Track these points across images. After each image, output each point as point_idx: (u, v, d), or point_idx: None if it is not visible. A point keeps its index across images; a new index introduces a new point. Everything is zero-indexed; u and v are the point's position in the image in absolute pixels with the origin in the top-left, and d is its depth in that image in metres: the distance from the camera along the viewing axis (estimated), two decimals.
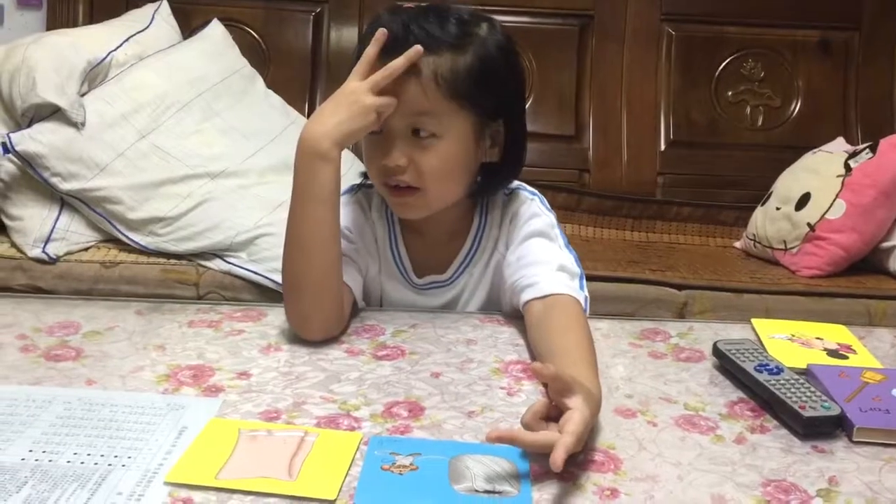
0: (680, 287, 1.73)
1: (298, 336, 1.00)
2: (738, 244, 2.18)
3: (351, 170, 1.59)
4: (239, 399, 0.86)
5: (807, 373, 0.95)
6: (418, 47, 0.97)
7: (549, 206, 1.13)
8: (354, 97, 0.97)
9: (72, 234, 1.67)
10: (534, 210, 1.11)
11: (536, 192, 1.14)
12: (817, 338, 1.07)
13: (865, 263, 1.90)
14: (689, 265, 1.91)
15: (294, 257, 1.01)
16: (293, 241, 1.01)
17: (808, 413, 0.84)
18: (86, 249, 1.68)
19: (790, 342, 1.06)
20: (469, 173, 1.06)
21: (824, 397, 0.87)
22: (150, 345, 0.97)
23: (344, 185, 1.06)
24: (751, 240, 2.10)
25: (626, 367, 0.99)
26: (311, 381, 0.90)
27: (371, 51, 0.98)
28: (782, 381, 0.90)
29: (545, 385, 0.81)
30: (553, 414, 0.78)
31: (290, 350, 0.98)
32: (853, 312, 1.68)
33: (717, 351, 0.99)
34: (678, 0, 2.39)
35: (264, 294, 1.59)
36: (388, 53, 0.98)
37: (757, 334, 1.09)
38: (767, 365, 0.94)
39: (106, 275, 1.62)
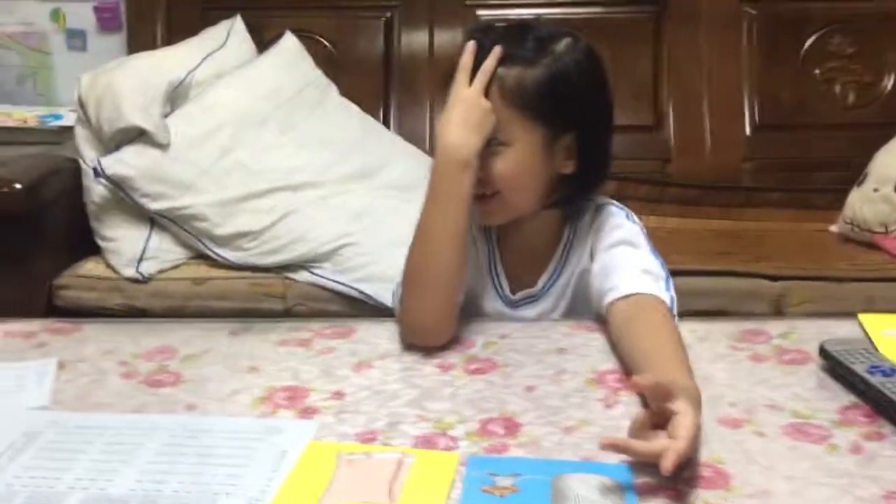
0: (775, 278, 1.67)
1: (389, 352, 1.00)
2: (833, 228, 2.09)
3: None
4: (334, 420, 0.86)
5: None
6: (499, 47, 1.02)
7: (636, 219, 1.11)
8: (475, 103, 1.01)
9: (163, 252, 1.72)
10: (618, 221, 1.10)
11: (624, 206, 1.14)
12: None
13: None
14: (783, 254, 1.84)
15: (425, 253, 1.03)
16: (427, 237, 1.03)
17: None
18: (177, 267, 1.72)
19: None
20: (542, 183, 1.07)
21: None
22: (244, 366, 0.98)
23: None
24: (848, 223, 2.00)
25: (726, 372, 0.95)
26: (404, 399, 0.90)
27: (466, 59, 1.03)
28: None
29: (642, 395, 0.79)
30: (657, 421, 0.76)
31: (382, 367, 0.98)
32: None
33: (824, 352, 0.94)
34: None
35: (350, 304, 1.60)
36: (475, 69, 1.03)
37: (865, 331, 1.04)
38: (881, 367, 0.89)
39: (197, 291, 1.65)
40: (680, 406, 0.73)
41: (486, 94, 1.02)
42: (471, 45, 1.03)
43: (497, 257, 1.15)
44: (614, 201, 1.15)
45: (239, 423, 0.85)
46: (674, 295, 1.03)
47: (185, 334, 1.08)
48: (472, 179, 1.01)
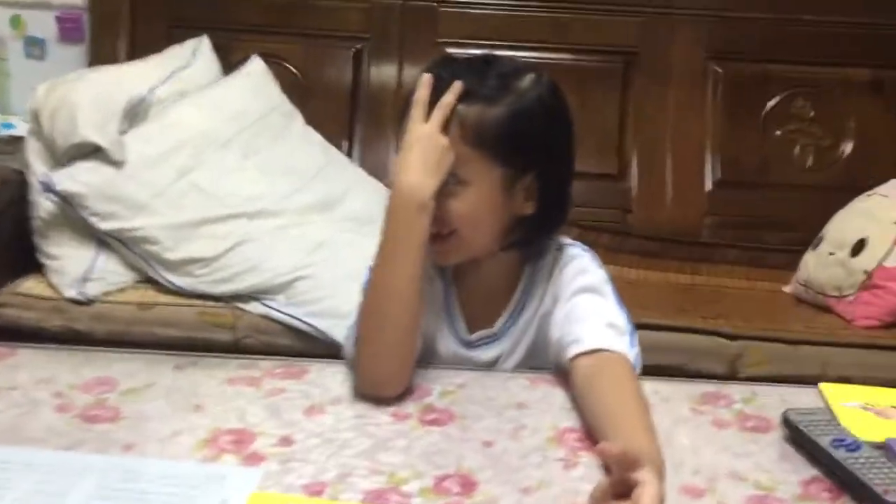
0: (733, 337, 1.67)
1: (342, 396, 0.96)
2: (787, 289, 2.11)
3: None
4: (281, 469, 0.81)
5: (885, 448, 0.89)
6: (459, 82, 0.98)
7: (600, 263, 1.08)
8: (432, 141, 0.97)
9: (109, 273, 1.65)
10: (584, 266, 1.07)
11: (588, 249, 1.11)
12: (893, 406, 1.00)
13: None
14: (740, 312, 1.84)
15: (382, 304, 0.98)
16: (381, 288, 0.98)
17: (892, 499, 0.78)
18: (122, 290, 1.65)
19: (864, 411, 0.99)
20: (500, 224, 1.03)
21: None
22: (188, 405, 0.93)
23: None
24: (802, 285, 2.02)
25: (688, 437, 0.93)
26: (356, 449, 0.86)
27: (422, 93, 0.99)
28: (861, 460, 0.84)
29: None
30: (619, 490, 0.73)
31: (335, 412, 0.94)
32: None
33: (787, 422, 0.93)
34: (724, 38, 2.33)
35: (302, 339, 1.56)
36: (430, 107, 0.99)
37: (826, 401, 1.03)
38: (844, 440, 0.87)
39: (142, 317, 1.59)
40: (644, 476, 0.71)
41: (445, 130, 0.97)
42: (427, 78, 0.99)
43: (453, 296, 1.11)
44: (577, 242, 1.12)
45: (179, 468, 0.80)
46: (638, 351, 1.01)
47: (128, 366, 1.02)
48: (428, 222, 0.97)
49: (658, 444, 0.82)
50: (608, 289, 1.06)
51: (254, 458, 0.83)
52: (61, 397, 0.93)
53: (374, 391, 0.96)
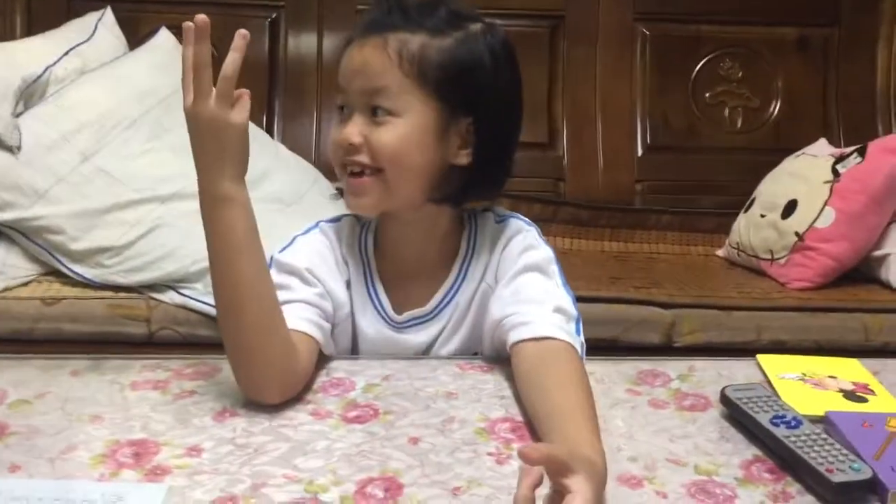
0: (666, 306, 1.64)
1: None
2: (720, 252, 2.10)
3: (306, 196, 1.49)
4: (188, 483, 0.74)
5: (826, 422, 0.86)
6: (243, 31, 0.86)
7: (545, 239, 1.02)
8: (208, 121, 0.83)
9: (9, 267, 1.54)
10: (530, 241, 1.00)
11: (533, 223, 1.04)
12: (830, 376, 0.98)
13: (857, 273, 1.83)
14: (674, 279, 1.83)
15: (226, 319, 0.88)
16: (221, 301, 0.88)
17: (837, 478, 0.74)
18: (25, 284, 1.55)
19: (802, 383, 0.96)
20: (430, 169, 0.95)
21: (852, 456, 0.78)
22: (85, 415, 0.85)
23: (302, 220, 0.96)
24: (734, 248, 2.01)
25: (625, 420, 0.88)
26: (272, 455, 0.79)
27: (187, 53, 0.84)
28: (803, 437, 0.80)
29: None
30: (556, 499, 0.67)
31: (248, 415, 0.86)
32: (848, 328, 1.61)
33: (725, 399, 0.89)
34: None
35: None
36: (365, 32, 0.93)
37: (765, 373, 1.00)
38: (784, 416, 0.84)
39: (47, 312, 1.49)
40: (577, 484, 0.65)
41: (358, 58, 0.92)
42: (187, 28, 0.84)
43: (374, 274, 1.03)
44: (520, 215, 1.05)
45: (70, 488, 0.72)
46: (583, 340, 0.95)
47: (19, 374, 0.93)
48: (241, 215, 0.85)
49: (601, 444, 0.76)
50: (555, 268, 1.00)
51: (157, 473, 0.75)
52: None
53: (255, 398, 0.88)
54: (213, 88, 0.84)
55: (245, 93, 0.86)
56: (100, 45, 1.85)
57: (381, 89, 0.92)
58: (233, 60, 0.85)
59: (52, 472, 0.75)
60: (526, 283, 0.96)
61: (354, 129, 0.93)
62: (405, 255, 1.02)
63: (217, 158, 0.85)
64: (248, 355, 0.87)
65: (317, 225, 1.04)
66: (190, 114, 0.84)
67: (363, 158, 0.93)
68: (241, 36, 0.86)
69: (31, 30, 2.10)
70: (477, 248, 1.02)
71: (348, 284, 1.02)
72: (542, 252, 1.00)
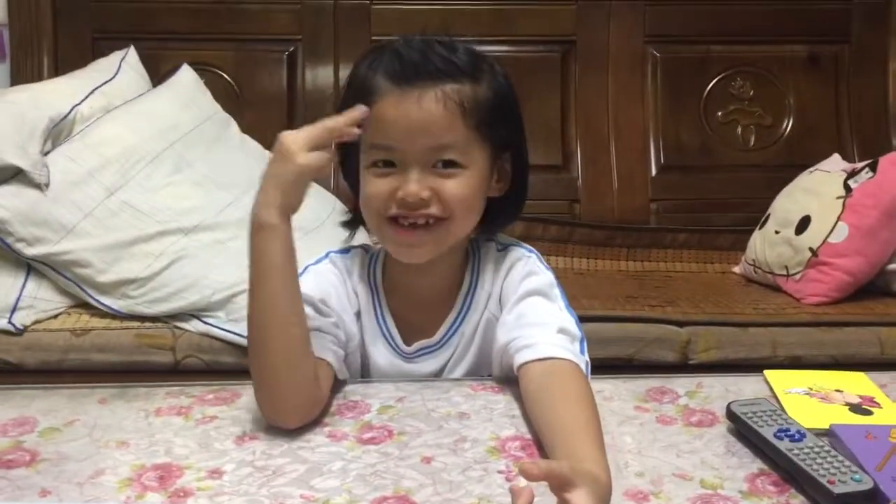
0: (681, 324, 1.66)
1: None
2: (736, 269, 2.11)
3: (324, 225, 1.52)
4: None
5: (830, 434, 0.87)
6: (363, 107, 0.92)
7: (546, 264, 1.05)
8: (284, 151, 0.88)
9: (39, 301, 1.59)
10: (531, 268, 1.03)
11: (533, 249, 1.07)
12: (837, 390, 0.99)
13: (872, 287, 1.83)
14: (690, 297, 1.84)
15: (256, 342, 0.92)
16: (252, 322, 0.92)
17: (838, 489, 0.76)
18: (55, 317, 1.60)
19: (808, 397, 0.98)
20: (482, 210, 1.00)
21: (854, 467, 0.79)
22: (112, 441, 0.89)
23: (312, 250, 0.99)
24: (750, 265, 2.03)
25: (633, 437, 0.91)
26: (290, 477, 0.82)
27: (338, 121, 0.91)
28: (806, 450, 0.82)
29: None
30: None
31: (267, 438, 0.90)
32: (863, 342, 1.62)
33: (731, 414, 0.91)
34: (661, 21, 2.33)
35: (245, 355, 1.49)
36: (405, 80, 0.92)
37: (771, 388, 1.01)
38: (788, 430, 0.86)
39: (77, 343, 1.53)
40: (577, 498, 0.67)
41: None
42: (364, 111, 0.91)
43: (383, 305, 1.06)
44: (520, 242, 1.08)
45: None
46: (588, 359, 0.98)
47: (49, 402, 0.97)
48: (280, 245, 0.89)
49: (606, 460, 0.78)
50: (556, 292, 1.03)
51: (181, 495, 0.79)
52: None
53: (276, 422, 0.91)
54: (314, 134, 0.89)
55: (330, 152, 0.91)
56: (123, 83, 1.91)
57: (448, 145, 0.93)
58: (338, 119, 0.91)
59: (80, 496, 0.79)
60: (529, 308, 0.99)
61: (419, 185, 0.93)
62: (415, 287, 1.05)
63: (274, 187, 0.89)
64: (275, 379, 0.90)
65: (327, 255, 1.07)
66: (279, 137, 0.90)
67: (433, 210, 0.94)
68: (361, 111, 0.91)
69: (57, 70, 2.17)
70: (480, 278, 1.05)
71: (358, 315, 1.05)
72: (544, 277, 1.02)
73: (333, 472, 0.83)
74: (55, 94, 1.76)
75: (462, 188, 0.94)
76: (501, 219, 1.05)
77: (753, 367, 1.52)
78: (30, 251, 1.56)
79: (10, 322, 1.54)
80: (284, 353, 0.90)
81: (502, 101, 0.97)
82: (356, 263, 1.07)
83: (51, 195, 1.59)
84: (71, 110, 1.72)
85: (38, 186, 1.58)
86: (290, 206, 0.90)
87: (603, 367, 1.07)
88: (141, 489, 0.80)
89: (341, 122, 0.91)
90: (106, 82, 1.86)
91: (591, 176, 2.27)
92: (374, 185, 0.95)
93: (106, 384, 1.03)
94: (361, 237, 1.10)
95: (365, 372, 1.08)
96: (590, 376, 0.96)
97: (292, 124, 2.26)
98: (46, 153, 1.64)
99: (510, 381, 1.00)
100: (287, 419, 0.90)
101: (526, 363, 0.94)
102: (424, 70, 0.92)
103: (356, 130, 0.92)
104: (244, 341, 1.52)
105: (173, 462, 0.85)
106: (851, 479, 0.77)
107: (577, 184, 2.27)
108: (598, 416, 0.86)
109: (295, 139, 0.88)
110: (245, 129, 2.05)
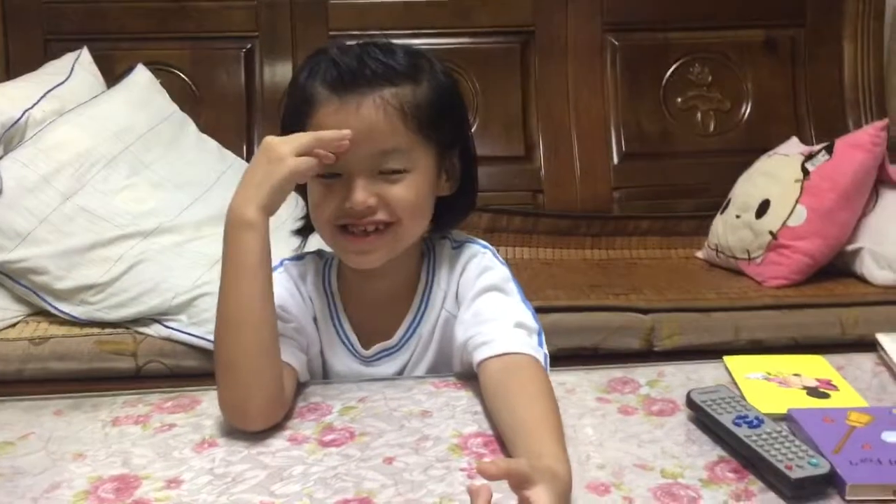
0: (646, 311, 1.67)
1: (235, 426, 0.91)
2: (700, 254, 2.13)
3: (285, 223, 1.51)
4: None
5: (788, 419, 0.88)
6: (348, 132, 0.90)
7: (501, 258, 1.05)
8: (272, 153, 0.90)
9: None
10: (486, 263, 1.03)
11: (488, 245, 1.07)
12: (795, 374, 1.00)
13: (832, 267, 1.85)
14: (654, 284, 1.85)
15: (225, 337, 0.91)
16: (223, 318, 0.92)
17: (795, 474, 0.77)
18: (13, 326, 1.57)
19: (766, 382, 0.99)
20: (432, 210, 1.00)
21: (811, 452, 0.80)
22: (68, 453, 0.87)
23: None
24: (713, 249, 2.04)
25: (595, 428, 0.91)
26: (250, 483, 0.81)
27: (329, 135, 0.90)
28: (764, 436, 0.83)
29: None
30: None
31: (227, 444, 0.89)
32: (824, 323, 1.64)
33: (690, 402, 0.91)
34: (619, 9, 2.34)
35: (208, 359, 1.49)
36: (343, 88, 0.92)
37: (731, 374, 1.02)
38: (746, 416, 0.86)
39: (35, 352, 1.51)
40: (537, 496, 0.67)
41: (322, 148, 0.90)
42: (347, 133, 0.90)
43: (339, 310, 1.05)
44: (475, 238, 1.08)
45: None
46: (546, 352, 0.97)
47: (3, 416, 0.95)
48: (257, 243, 0.90)
49: (566, 455, 0.78)
50: (512, 286, 1.03)
51: None
52: None
53: (239, 425, 0.90)
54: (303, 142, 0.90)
55: (319, 157, 0.90)
56: (77, 85, 1.87)
57: (391, 151, 0.93)
58: (329, 133, 0.90)
59: None
60: (485, 304, 0.99)
61: (367, 193, 0.93)
62: (370, 290, 1.04)
63: (257, 186, 0.89)
64: (242, 378, 0.89)
65: (281, 263, 1.06)
66: (265, 140, 0.91)
67: (380, 216, 0.94)
68: (347, 134, 0.90)
69: (9, 73, 2.12)
70: (436, 277, 1.05)
71: (314, 321, 1.05)
72: (499, 272, 1.02)
73: (294, 477, 0.82)
74: (6, 98, 1.72)
75: (408, 192, 0.94)
76: (453, 217, 1.05)
77: (717, 352, 1.53)
78: None
79: None
80: (255, 351, 0.90)
81: (444, 100, 0.97)
82: (310, 270, 1.06)
83: (4, 202, 1.56)
84: (23, 114, 1.69)
85: None
86: (271, 206, 0.91)
87: (569, 357, 1.08)
88: (97, 502, 0.79)
89: (330, 138, 0.90)
90: (59, 85, 1.83)
91: (554, 166, 2.27)
92: (321, 196, 0.96)
93: (62, 395, 1.01)
94: (315, 241, 1.09)
95: (324, 377, 1.07)
96: (549, 369, 0.96)
97: (251, 122, 2.25)
98: None
99: (472, 376, 1.00)
100: (251, 422, 0.89)
101: (484, 360, 0.94)
102: (362, 76, 0.92)
103: (332, 157, 0.91)
104: (207, 344, 1.52)
105: (130, 473, 0.83)
106: (809, 463, 0.78)
107: (539, 174, 2.28)
108: (558, 410, 0.86)
109: (284, 144, 0.89)
110: (203, 128, 2.03)
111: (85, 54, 2.00)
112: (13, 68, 2.13)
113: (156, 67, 2.09)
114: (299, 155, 0.89)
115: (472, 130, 1.08)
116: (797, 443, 0.82)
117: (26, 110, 1.70)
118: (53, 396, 1.01)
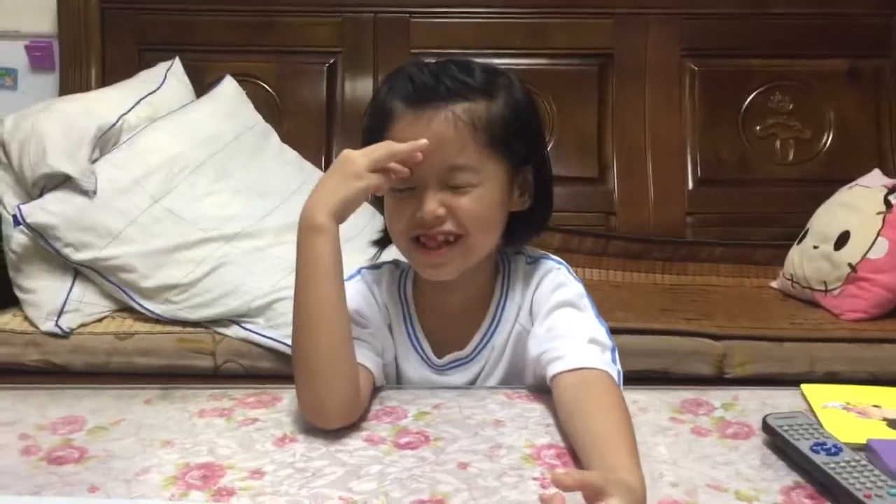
0: (717, 337, 1.65)
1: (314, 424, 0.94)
2: (774, 284, 2.10)
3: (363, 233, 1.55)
4: (251, 503, 0.79)
5: (867, 449, 0.87)
6: (425, 141, 0.93)
7: (576, 275, 1.06)
8: (348, 166, 0.93)
9: (85, 304, 1.63)
10: (560, 279, 1.04)
11: (562, 261, 1.08)
12: (874, 405, 0.99)
13: None
14: (726, 311, 1.83)
15: (301, 339, 0.95)
16: (298, 321, 0.95)
17: (874, 503, 0.76)
18: (100, 320, 1.64)
19: (845, 412, 0.97)
20: (503, 223, 1.02)
21: (890, 482, 0.79)
22: (157, 440, 0.91)
23: (351, 263, 1.01)
24: (788, 280, 2.01)
25: (668, 447, 0.91)
26: (328, 479, 0.84)
27: (401, 148, 0.93)
28: (842, 464, 0.82)
29: None
30: None
31: (307, 441, 0.92)
32: None
33: (767, 427, 0.91)
34: (699, 35, 2.33)
35: (283, 361, 1.54)
36: (418, 103, 0.95)
37: (808, 403, 1.01)
38: (824, 444, 0.86)
39: (120, 347, 1.57)
40: None
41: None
42: (423, 144, 0.93)
43: (414, 319, 1.07)
44: (550, 254, 1.09)
45: None
46: (620, 368, 0.98)
47: (96, 402, 1.00)
48: (329, 247, 0.93)
49: (640, 469, 0.79)
50: (586, 302, 1.04)
51: (223, 494, 0.81)
52: (27, 439, 0.91)
53: (317, 423, 0.93)
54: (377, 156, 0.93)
55: (395, 171, 0.93)
56: (168, 93, 1.95)
57: (461, 166, 0.95)
58: (402, 146, 0.93)
59: (127, 493, 0.81)
60: (559, 319, 1.00)
61: (436, 204, 0.95)
62: (445, 301, 1.06)
63: (330, 193, 0.93)
64: (318, 377, 0.92)
65: (359, 272, 1.09)
66: (344, 152, 0.94)
67: (448, 227, 0.96)
68: (422, 145, 0.93)
69: (105, 80, 2.22)
70: (510, 291, 1.06)
71: (389, 329, 1.07)
72: (573, 288, 1.03)
73: (371, 476, 0.84)
74: (103, 103, 1.81)
75: (475, 204, 0.96)
76: (526, 232, 1.06)
77: (790, 382, 1.50)
78: (77, 256, 1.61)
79: (56, 325, 1.59)
80: (329, 352, 0.93)
81: (518, 116, 0.98)
82: (386, 278, 1.09)
83: (98, 202, 1.63)
84: (118, 119, 1.77)
85: (85, 193, 1.63)
86: (342, 215, 0.94)
87: (638, 379, 1.08)
88: (185, 487, 0.82)
89: (404, 150, 0.93)
90: (152, 93, 1.91)
91: (627, 188, 2.27)
92: (396, 209, 0.99)
93: (151, 385, 1.06)
94: (393, 252, 1.12)
95: (397, 384, 1.10)
96: (622, 386, 0.97)
97: (331, 135, 2.30)
98: (94, 161, 1.69)
99: (545, 389, 1.01)
100: (329, 420, 0.92)
101: (558, 374, 0.95)
102: (437, 92, 0.95)
103: (406, 171, 0.94)
104: (283, 347, 1.57)
105: (216, 462, 0.87)
106: (888, 493, 0.77)
107: (613, 196, 2.28)
108: (632, 425, 0.87)
109: (362, 159, 0.92)
110: (284, 139, 2.09)
111: (177, 64, 2.08)
112: (109, 76, 2.23)
113: (242, 79, 2.16)
114: (374, 170, 0.92)
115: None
116: (876, 472, 0.80)
117: (121, 115, 1.78)
118: (143, 386, 1.05)
